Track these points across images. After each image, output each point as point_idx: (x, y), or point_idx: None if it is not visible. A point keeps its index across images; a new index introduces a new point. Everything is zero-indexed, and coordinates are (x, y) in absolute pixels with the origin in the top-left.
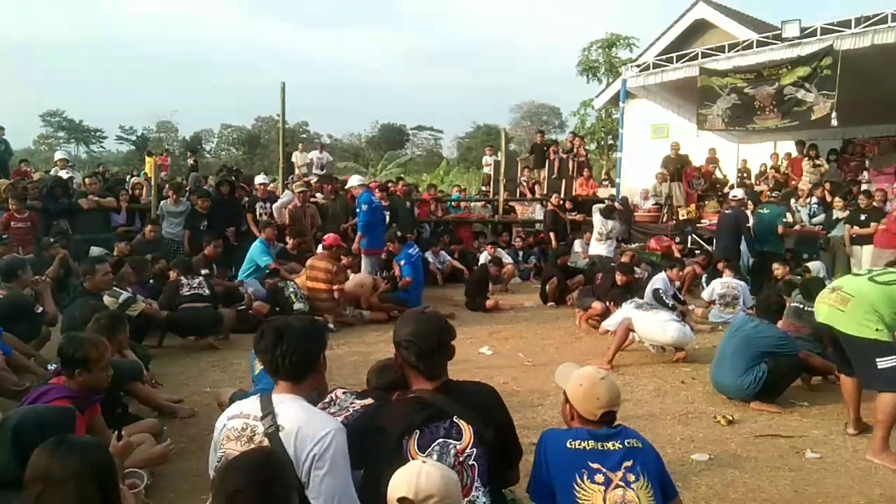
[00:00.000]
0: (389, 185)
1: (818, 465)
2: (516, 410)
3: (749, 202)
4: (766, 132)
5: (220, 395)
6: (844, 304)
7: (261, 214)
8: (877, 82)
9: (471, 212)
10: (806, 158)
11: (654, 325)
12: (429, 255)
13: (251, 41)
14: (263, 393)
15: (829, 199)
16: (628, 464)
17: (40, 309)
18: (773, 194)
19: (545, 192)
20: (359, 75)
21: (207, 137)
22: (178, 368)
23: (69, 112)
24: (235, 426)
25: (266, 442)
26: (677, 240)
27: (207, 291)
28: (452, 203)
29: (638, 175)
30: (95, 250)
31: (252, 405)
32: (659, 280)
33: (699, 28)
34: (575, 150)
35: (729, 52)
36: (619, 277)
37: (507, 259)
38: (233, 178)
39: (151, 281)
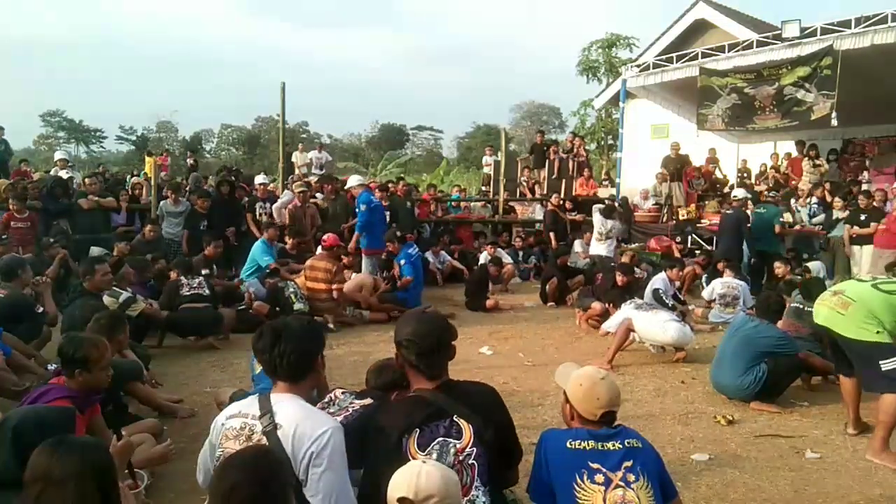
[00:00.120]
0: (390, 185)
1: (818, 465)
2: (516, 410)
3: (749, 202)
4: (766, 132)
5: (220, 395)
6: (845, 308)
7: (260, 214)
8: (877, 82)
9: (471, 212)
10: (806, 158)
11: (655, 326)
12: (429, 255)
13: (251, 41)
14: (262, 393)
15: (829, 199)
16: (628, 464)
17: (41, 309)
18: (771, 194)
19: (545, 192)
20: (359, 75)
21: (207, 137)
22: (178, 368)
23: (69, 112)
24: (234, 425)
25: (264, 440)
26: (678, 239)
27: (207, 291)
28: (452, 203)
29: (638, 175)
30: (95, 250)
31: (250, 405)
32: (659, 280)
33: (699, 28)
34: (575, 150)
35: (729, 52)
36: (619, 278)
37: (507, 259)
38: (233, 178)
39: (151, 281)
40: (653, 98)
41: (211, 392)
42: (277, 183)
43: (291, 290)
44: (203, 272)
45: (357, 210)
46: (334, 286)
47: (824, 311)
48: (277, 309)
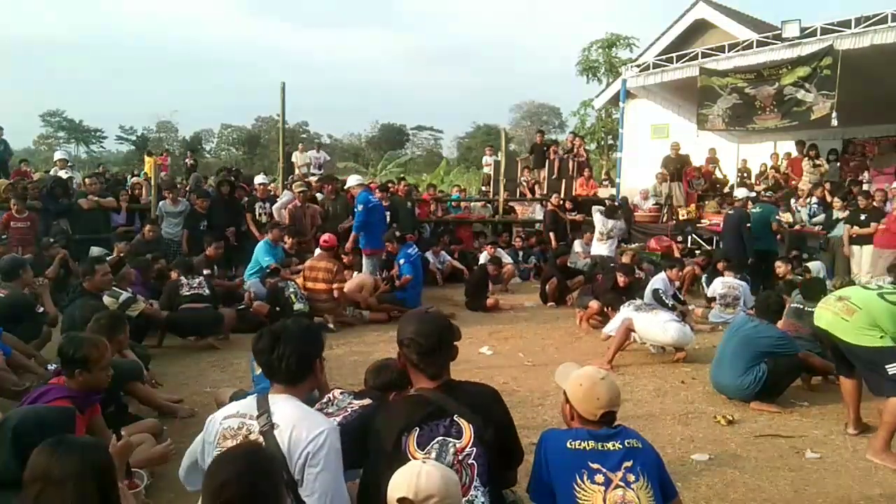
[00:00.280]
0: (390, 185)
1: (818, 465)
2: (516, 410)
3: (750, 202)
4: (766, 132)
5: (220, 395)
6: (850, 315)
7: (260, 214)
8: (877, 82)
9: (471, 212)
10: (806, 158)
11: (655, 326)
12: (429, 255)
13: (251, 41)
14: (261, 393)
15: (829, 199)
16: (628, 464)
17: (41, 309)
18: (767, 194)
19: (545, 192)
20: (359, 75)
21: (207, 137)
22: (178, 368)
23: (69, 112)
24: (232, 425)
25: (261, 440)
26: (679, 239)
27: (208, 291)
28: (452, 203)
29: (638, 175)
30: (95, 250)
31: (248, 405)
32: (659, 280)
33: (699, 28)
34: (575, 150)
35: (729, 52)
36: (620, 279)
37: (506, 259)
38: (232, 178)
39: (152, 281)
40: (653, 98)
41: (211, 392)
42: (277, 183)
43: (291, 290)
44: (204, 272)
45: (356, 210)
46: (335, 286)
47: (828, 316)
48: (277, 309)
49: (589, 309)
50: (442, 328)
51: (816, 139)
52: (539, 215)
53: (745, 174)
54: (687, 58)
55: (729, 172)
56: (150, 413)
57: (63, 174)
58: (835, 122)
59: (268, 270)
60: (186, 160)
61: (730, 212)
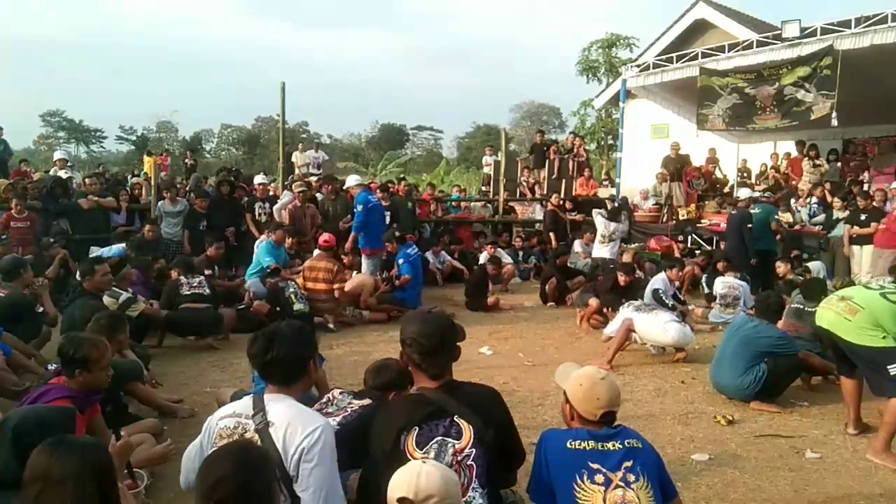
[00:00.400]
0: (390, 185)
1: (818, 465)
2: (516, 410)
3: (752, 202)
4: (766, 132)
5: (220, 395)
6: (853, 315)
7: (260, 214)
8: (877, 82)
9: (471, 212)
10: (806, 158)
11: (655, 326)
12: (429, 255)
13: (251, 41)
14: (258, 394)
15: (829, 199)
16: (628, 464)
17: (41, 308)
18: (766, 194)
19: (545, 192)
20: (359, 75)
21: (207, 137)
22: (178, 368)
23: (69, 112)
24: (228, 425)
25: (257, 438)
26: (679, 239)
27: (208, 291)
28: (452, 203)
29: (638, 175)
30: (95, 250)
31: (244, 405)
32: (659, 280)
33: (699, 28)
34: (575, 150)
35: (729, 52)
36: (621, 278)
37: (506, 259)
38: (232, 178)
39: (152, 281)
40: (653, 98)
41: (211, 392)
42: (277, 183)
43: (292, 290)
44: (206, 272)
45: (355, 210)
46: (336, 286)
47: (830, 316)
48: (277, 309)
49: (589, 308)
50: (444, 328)
51: (816, 139)
52: (539, 215)
53: (745, 174)
54: (687, 58)
55: (729, 172)
56: (150, 413)
57: (63, 174)
58: (835, 122)
59: (268, 270)
60: (186, 160)
61: (733, 212)
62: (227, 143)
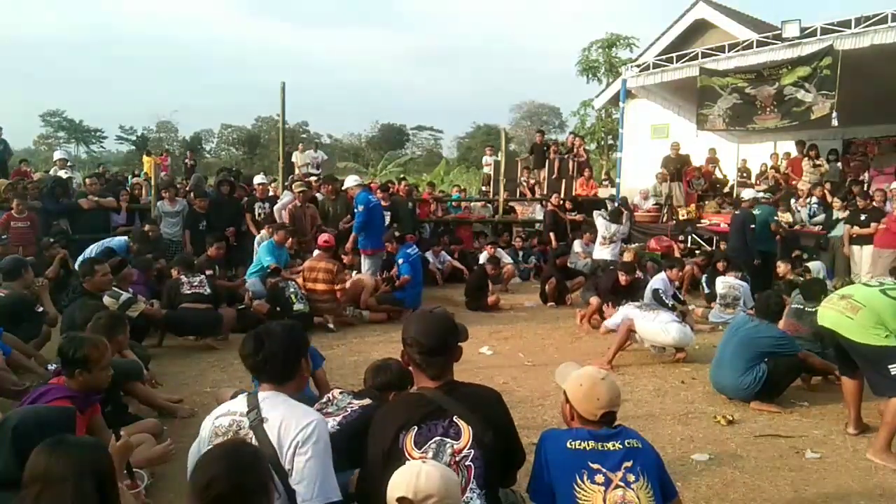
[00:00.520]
0: (390, 185)
1: (818, 465)
2: (516, 410)
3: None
4: (766, 132)
5: (220, 394)
6: (855, 313)
7: (260, 214)
8: (877, 82)
9: (471, 212)
10: (806, 158)
11: (656, 327)
12: (429, 255)
13: (251, 41)
14: (250, 393)
15: (829, 199)
16: (628, 464)
17: (41, 308)
18: (766, 195)
19: (545, 192)
20: (359, 75)
21: (207, 137)
22: (178, 368)
23: (69, 112)
24: (223, 423)
25: (252, 435)
26: (680, 238)
27: (208, 291)
28: (452, 203)
29: (638, 175)
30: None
31: (239, 403)
32: (658, 280)
33: (699, 28)
34: (575, 150)
35: (729, 52)
36: (622, 277)
37: (506, 259)
38: (232, 178)
39: (152, 279)
40: (653, 98)
41: (211, 392)
42: (278, 183)
43: (292, 290)
44: (207, 273)
45: (355, 210)
46: (338, 287)
47: (831, 315)
48: (278, 309)
49: (589, 307)
50: (446, 329)
51: (816, 139)
52: (539, 215)
53: (745, 174)
54: (687, 58)
55: (729, 172)
56: (150, 413)
57: (63, 174)
58: (835, 122)
59: (268, 270)
60: (186, 160)
61: (736, 212)
62: (227, 143)
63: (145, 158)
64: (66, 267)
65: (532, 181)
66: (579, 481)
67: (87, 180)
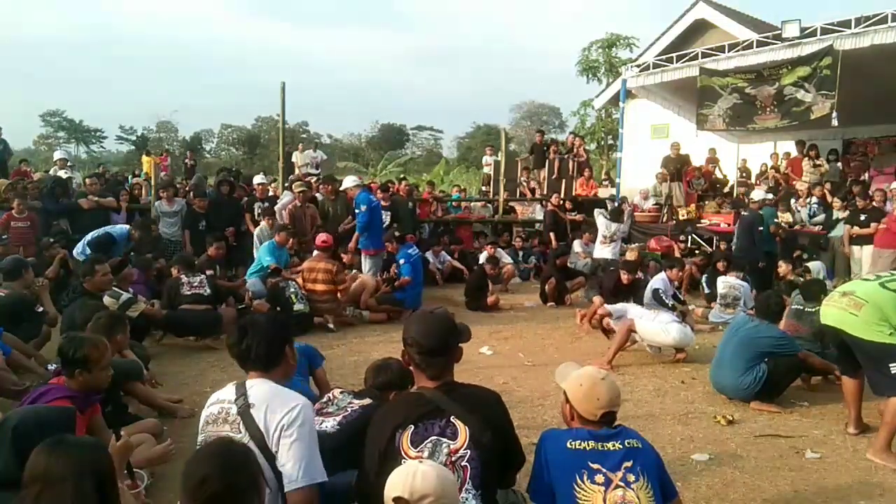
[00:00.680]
0: (390, 185)
1: (818, 465)
2: (516, 410)
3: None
4: (766, 132)
5: None
6: (858, 309)
7: (259, 214)
8: (877, 82)
9: (471, 212)
10: (806, 158)
11: (657, 327)
12: (429, 255)
13: (251, 41)
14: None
15: (829, 199)
16: (628, 464)
17: (41, 308)
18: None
19: (545, 192)
20: (359, 75)
21: (207, 137)
22: (178, 368)
23: (69, 112)
24: (213, 411)
25: (240, 420)
26: (680, 238)
27: (209, 292)
28: (452, 203)
29: (638, 175)
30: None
31: (227, 391)
32: (658, 280)
33: (699, 28)
34: (575, 150)
35: (729, 52)
36: (624, 276)
37: (506, 259)
38: (232, 178)
39: (152, 278)
40: (653, 98)
41: (211, 392)
42: (278, 183)
43: (292, 290)
44: (207, 273)
45: (357, 211)
46: (340, 287)
47: (834, 312)
48: (278, 309)
49: (591, 307)
50: (446, 329)
51: (816, 139)
52: (539, 215)
53: (745, 174)
54: (687, 58)
55: (729, 172)
56: (150, 413)
57: (63, 174)
58: (835, 122)
59: (269, 270)
60: (186, 160)
61: (744, 213)
62: (227, 143)
63: (145, 158)
64: (66, 267)
65: (532, 181)
66: (579, 481)
67: (87, 180)
